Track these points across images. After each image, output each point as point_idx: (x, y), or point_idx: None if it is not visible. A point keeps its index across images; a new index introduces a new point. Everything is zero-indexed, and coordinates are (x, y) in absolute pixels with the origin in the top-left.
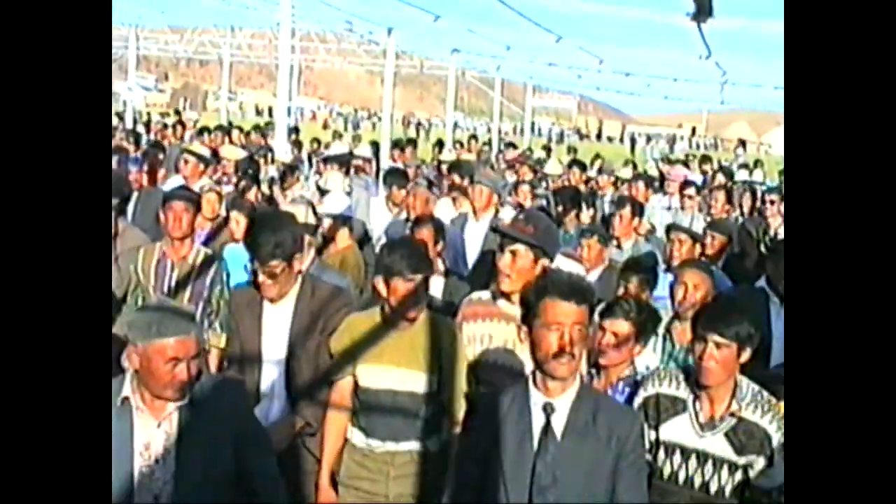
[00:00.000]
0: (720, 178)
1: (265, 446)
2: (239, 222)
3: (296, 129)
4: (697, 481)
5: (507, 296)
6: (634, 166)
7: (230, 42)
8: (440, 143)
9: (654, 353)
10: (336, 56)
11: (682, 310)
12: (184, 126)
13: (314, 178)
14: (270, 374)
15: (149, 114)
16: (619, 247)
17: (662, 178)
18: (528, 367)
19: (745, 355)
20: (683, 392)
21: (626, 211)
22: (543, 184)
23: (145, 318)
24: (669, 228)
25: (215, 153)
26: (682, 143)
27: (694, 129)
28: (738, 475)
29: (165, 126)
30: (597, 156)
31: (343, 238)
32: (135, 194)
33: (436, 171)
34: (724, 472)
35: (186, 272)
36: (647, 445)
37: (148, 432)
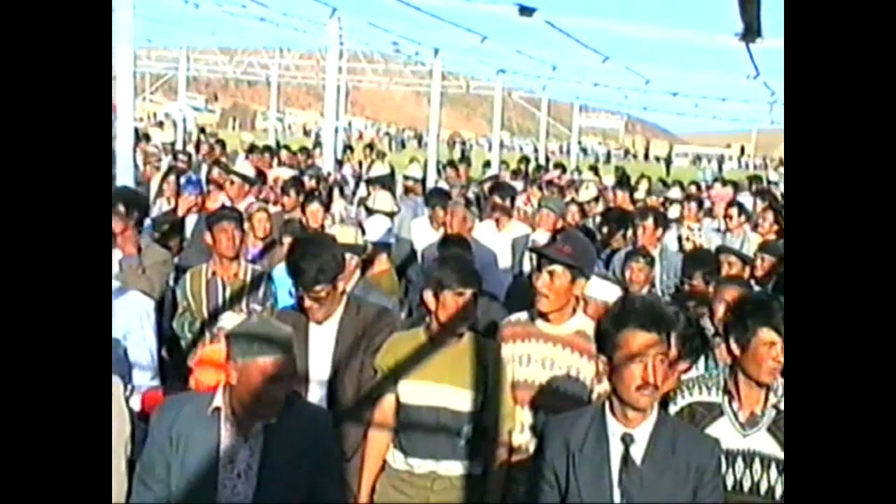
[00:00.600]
0: (764, 199)
1: (339, 478)
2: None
3: (349, 148)
4: (747, 484)
5: (544, 316)
6: (682, 187)
7: (279, 63)
8: (487, 164)
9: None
10: (383, 76)
11: (722, 327)
12: (223, 146)
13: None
14: (315, 395)
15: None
16: None
17: (699, 199)
18: (578, 389)
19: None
20: (717, 396)
21: (650, 222)
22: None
23: (247, 336)
24: (719, 251)
25: (261, 172)
26: (730, 163)
27: (743, 149)
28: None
29: (213, 145)
30: (642, 175)
31: (381, 262)
32: (194, 217)
33: (480, 191)
34: (773, 470)
35: (238, 289)
36: None
37: (234, 446)
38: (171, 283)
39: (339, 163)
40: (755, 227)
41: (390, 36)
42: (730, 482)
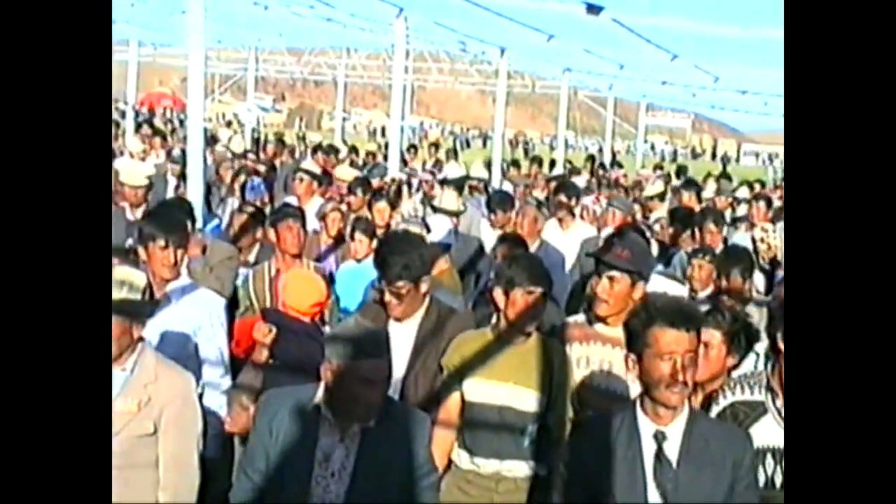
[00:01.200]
0: None
1: (434, 484)
2: (362, 242)
3: (413, 147)
4: None
5: (603, 319)
6: (751, 186)
7: (345, 63)
8: (552, 163)
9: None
10: (448, 76)
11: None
12: (284, 145)
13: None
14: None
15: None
16: None
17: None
18: (633, 391)
19: None
20: (760, 395)
21: (711, 224)
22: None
23: (344, 339)
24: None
25: (326, 172)
26: None
27: None
28: None
29: (279, 145)
30: (708, 174)
31: (442, 262)
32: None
33: (546, 191)
34: None
35: None
36: None
37: (330, 445)
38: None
39: (405, 162)
40: None
41: (457, 35)
42: (778, 481)
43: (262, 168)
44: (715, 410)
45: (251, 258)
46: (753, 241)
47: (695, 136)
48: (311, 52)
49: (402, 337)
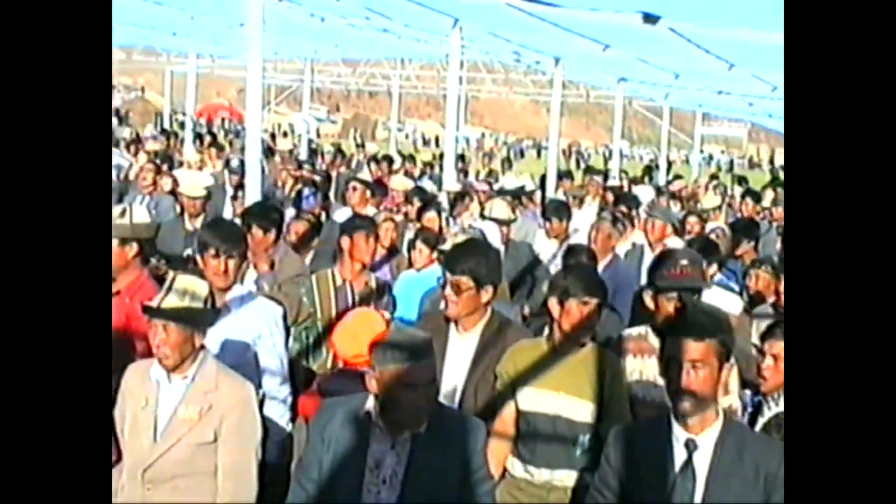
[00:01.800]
0: None
1: (490, 492)
2: (422, 252)
3: (461, 158)
4: None
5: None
6: None
7: (399, 74)
8: (606, 173)
9: None
10: (502, 86)
11: None
12: (344, 155)
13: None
14: (446, 402)
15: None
16: None
17: None
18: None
19: None
20: None
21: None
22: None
23: (383, 345)
24: None
25: (380, 182)
26: None
27: None
28: None
29: (336, 155)
30: (767, 184)
31: None
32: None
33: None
34: None
35: (367, 296)
36: None
37: (381, 452)
38: None
39: (465, 172)
40: None
41: (511, 45)
42: None
43: (318, 178)
44: (761, 422)
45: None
46: None
47: (751, 145)
48: (367, 63)
49: (464, 347)
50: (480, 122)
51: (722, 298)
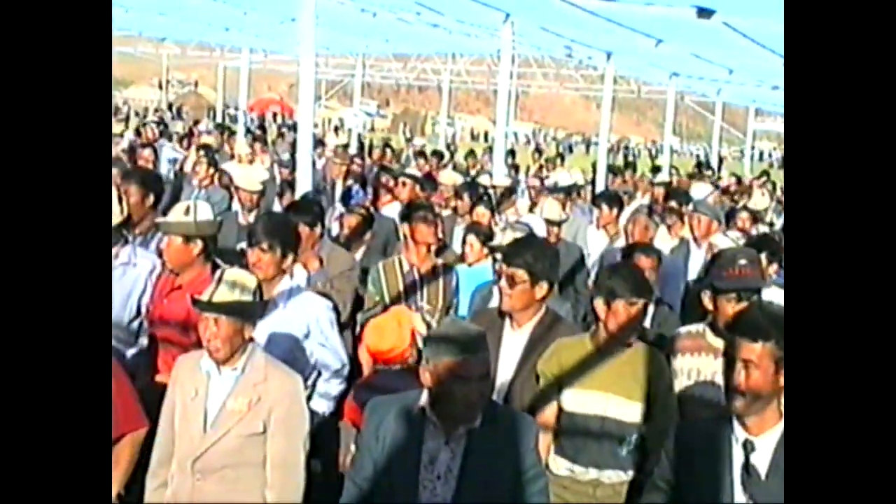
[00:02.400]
0: None
1: (544, 489)
2: (473, 247)
3: (511, 153)
4: None
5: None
6: None
7: (450, 69)
8: (657, 169)
9: None
10: (553, 81)
11: None
12: (393, 150)
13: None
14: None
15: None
16: None
17: None
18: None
19: None
20: None
21: None
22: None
23: (436, 338)
24: None
25: (429, 177)
26: None
27: None
28: None
29: (385, 150)
30: None
31: None
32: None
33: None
34: None
35: (433, 277)
36: None
37: (436, 447)
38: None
39: (515, 168)
40: None
41: (563, 40)
42: None
43: (371, 173)
44: None
45: (357, 258)
46: None
47: None
48: (417, 58)
49: (515, 343)
50: (530, 117)
51: (772, 296)
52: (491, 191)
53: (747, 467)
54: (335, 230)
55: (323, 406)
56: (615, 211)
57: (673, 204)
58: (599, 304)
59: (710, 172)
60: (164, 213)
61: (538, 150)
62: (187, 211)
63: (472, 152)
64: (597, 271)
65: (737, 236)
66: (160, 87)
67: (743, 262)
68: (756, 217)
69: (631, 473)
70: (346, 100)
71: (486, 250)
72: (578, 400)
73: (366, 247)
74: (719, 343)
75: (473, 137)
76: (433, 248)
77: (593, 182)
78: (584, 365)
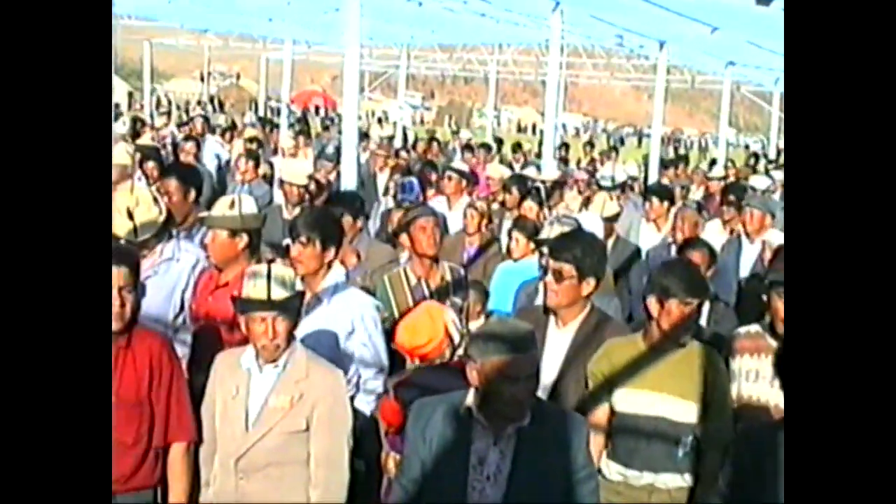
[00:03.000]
0: None
1: (595, 490)
2: (519, 242)
3: (565, 146)
4: None
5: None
6: None
7: (497, 59)
8: (713, 162)
9: None
10: (603, 71)
11: None
12: (439, 143)
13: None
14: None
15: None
16: None
17: None
18: None
19: None
20: None
21: None
22: None
23: (483, 336)
24: None
25: (474, 171)
26: None
27: None
28: None
29: (431, 143)
30: None
31: None
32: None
33: (704, 191)
34: None
35: (443, 290)
36: None
37: (484, 448)
38: None
39: (565, 161)
40: None
41: (613, 29)
42: None
43: (416, 166)
44: None
45: (403, 258)
46: None
47: None
48: (463, 49)
49: (560, 342)
50: (579, 108)
51: None
52: (540, 185)
53: None
54: (375, 226)
55: (366, 405)
56: (666, 205)
57: (731, 198)
58: (652, 302)
59: (768, 164)
60: (209, 208)
61: (591, 143)
62: (232, 204)
63: (519, 145)
64: (648, 268)
65: None
66: (202, 79)
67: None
68: None
69: (688, 478)
70: (391, 92)
71: (532, 245)
72: (630, 400)
73: None
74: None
75: (520, 129)
76: (435, 256)
77: (645, 175)
78: (637, 365)
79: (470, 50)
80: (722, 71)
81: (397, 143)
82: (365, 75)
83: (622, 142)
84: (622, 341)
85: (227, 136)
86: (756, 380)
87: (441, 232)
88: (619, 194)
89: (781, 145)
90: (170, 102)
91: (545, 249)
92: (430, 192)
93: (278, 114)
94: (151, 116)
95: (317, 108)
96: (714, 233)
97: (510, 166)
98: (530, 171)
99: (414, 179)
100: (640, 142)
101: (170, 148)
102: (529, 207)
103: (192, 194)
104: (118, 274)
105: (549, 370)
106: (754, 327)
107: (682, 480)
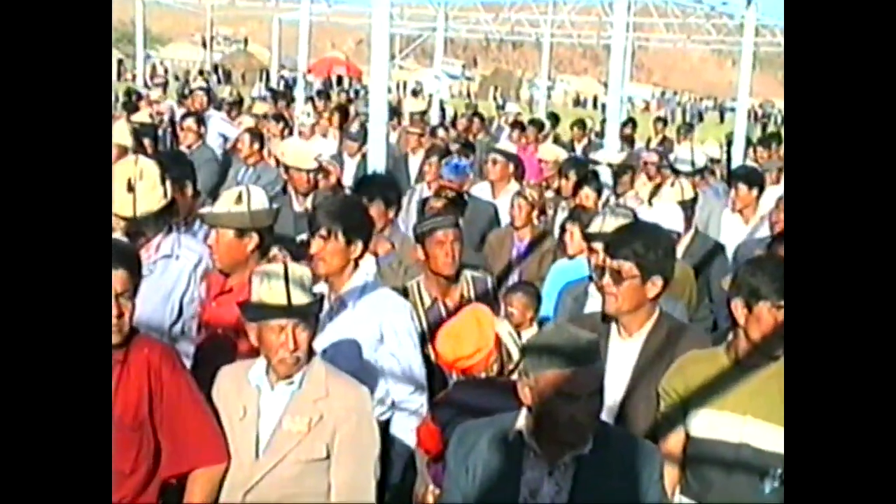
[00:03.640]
0: None
1: None
2: (574, 235)
3: (632, 121)
4: None
5: None
6: None
7: (551, 20)
8: None
9: None
10: (678, 34)
11: None
12: (482, 119)
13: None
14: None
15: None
16: None
17: None
18: None
19: None
20: None
21: None
22: None
23: (537, 346)
24: None
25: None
26: None
27: None
28: None
29: (473, 119)
30: None
31: None
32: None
33: None
34: None
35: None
36: None
37: (537, 478)
38: None
39: (630, 141)
40: None
41: None
42: None
43: (454, 147)
44: None
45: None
46: None
47: None
48: (511, 7)
49: (625, 354)
50: (648, 78)
51: None
52: (601, 169)
53: None
54: (407, 220)
55: (408, 423)
56: (755, 191)
57: None
58: (739, 307)
59: None
60: (213, 197)
61: (662, 120)
62: (239, 198)
63: (579, 122)
64: (734, 267)
65: None
66: (203, 45)
67: None
68: None
69: None
70: (426, 59)
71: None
72: (707, 422)
73: None
74: None
75: (578, 103)
76: (454, 275)
77: (728, 156)
78: (718, 382)
79: (519, 9)
80: None
81: (433, 119)
82: (395, 39)
83: (700, 117)
84: (701, 354)
85: (235, 111)
86: None
87: (461, 245)
88: (699, 180)
89: None
90: (166, 71)
91: (597, 245)
92: (470, 176)
93: (293, 85)
94: (147, 87)
95: (339, 79)
96: None
97: (570, 146)
98: (595, 154)
99: (462, 158)
100: (721, 117)
101: (167, 126)
102: (587, 195)
103: (189, 188)
104: (115, 278)
105: (614, 388)
106: None
107: None
